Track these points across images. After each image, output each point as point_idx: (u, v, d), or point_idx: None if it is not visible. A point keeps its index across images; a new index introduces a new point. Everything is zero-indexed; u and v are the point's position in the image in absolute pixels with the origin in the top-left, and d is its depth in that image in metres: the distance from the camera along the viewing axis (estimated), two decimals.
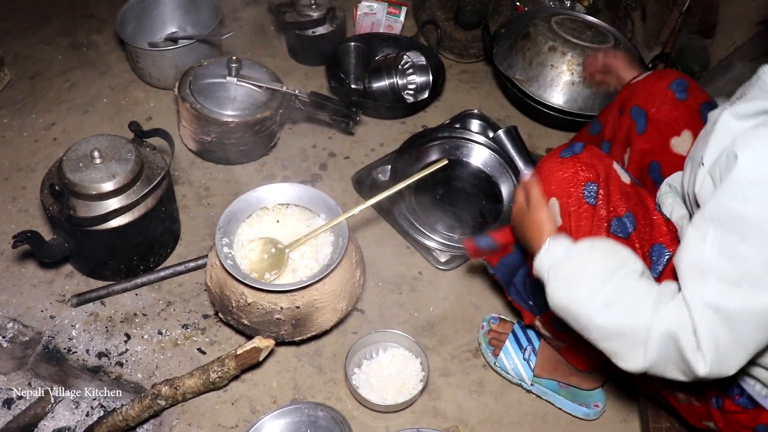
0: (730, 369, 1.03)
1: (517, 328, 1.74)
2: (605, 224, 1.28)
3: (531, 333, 1.72)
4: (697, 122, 1.53)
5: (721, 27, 2.53)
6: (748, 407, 1.23)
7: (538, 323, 1.55)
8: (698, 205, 1.16)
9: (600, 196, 1.29)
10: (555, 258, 1.20)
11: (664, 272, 1.29)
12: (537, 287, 1.36)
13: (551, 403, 1.70)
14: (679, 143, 1.55)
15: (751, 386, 1.21)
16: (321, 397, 1.68)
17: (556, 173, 1.31)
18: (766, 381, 1.19)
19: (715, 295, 1.00)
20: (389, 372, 1.69)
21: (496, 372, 1.75)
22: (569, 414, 1.68)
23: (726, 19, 2.51)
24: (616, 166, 1.35)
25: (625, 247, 1.19)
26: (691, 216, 1.30)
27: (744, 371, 1.14)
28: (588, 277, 1.14)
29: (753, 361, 1.10)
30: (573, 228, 1.29)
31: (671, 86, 1.56)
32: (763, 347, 1.03)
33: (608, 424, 1.68)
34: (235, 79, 2.05)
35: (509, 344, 1.72)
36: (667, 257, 1.30)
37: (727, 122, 1.12)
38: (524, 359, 1.70)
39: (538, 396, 1.71)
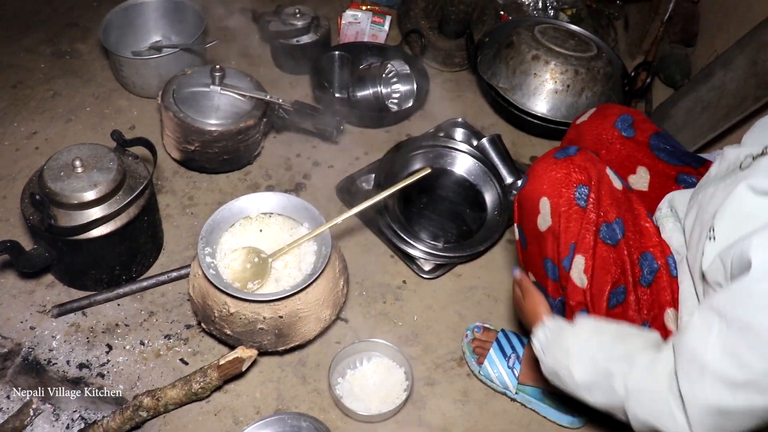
0: None
1: (501, 336, 1.74)
2: (594, 228, 1.29)
3: (515, 341, 1.73)
4: (649, 156, 1.55)
5: (702, 36, 2.56)
6: None
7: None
8: (704, 278, 1.14)
9: (591, 200, 1.30)
10: (550, 332, 1.28)
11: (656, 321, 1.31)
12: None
13: (536, 412, 1.70)
14: (637, 180, 1.56)
15: None
16: (305, 407, 1.67)
17: (549, 173, 1.33)
18: None
19: (715, 398, 0.98)
20: (373, 381, 1.69)
21: (481, 381, 1.74)
22: (554, 422, 1.68)
23: (707, 29, 2.53)
24: (608, 171, 1.35)
25: (611, 322, 1.25)
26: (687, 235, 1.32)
27: None
28: (575, 353, 1.21)
29: None
30: (562, 228, 1.31)
31: (616, 124, 1.57)
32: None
33: None
34: (219, 88, 2.05)
35: (493, 352, 1.72)
36: (656, 267, 1.31)
37: (746, 196, 1.08)
38: (508, 367, 1.70)
39: (522, 405, 1.71)
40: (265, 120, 2.10)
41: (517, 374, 1.69)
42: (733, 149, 1.26)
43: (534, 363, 1.65)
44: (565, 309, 1.39)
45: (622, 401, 1.13)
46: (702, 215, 1.23)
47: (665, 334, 1.31)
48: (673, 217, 1.42)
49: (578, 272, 1.31)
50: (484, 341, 1.76)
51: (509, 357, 1.70)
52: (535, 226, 1.36)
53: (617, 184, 1.36)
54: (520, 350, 1.70)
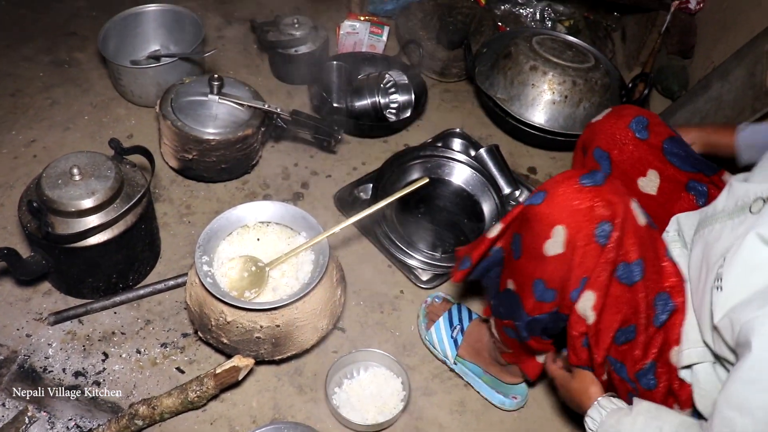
0: None
1: (454, 308, 1.78)
2: (611, 268, 1.23)
3: (465, 315, 1.77)
4: (661, 160, 1.53)
5: (699, 48, 2.57)
6: None
7: (492, 322, 1.54)
8: (715, 329, 1.12)
9: (612, 238, 1.22)
10: (606, 413, 1.25)
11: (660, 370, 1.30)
12: (499, 295, 1.44)
13: (471, 386, 1.74)
14: (647, 183, 1.55)
15: None
16: (301, 416, 1.66)
17: (571, 201, 1.23)
18: None
19: None
20: (370, 391, 1.68)
21: (425, 345, 1.80)
22: (486, 399, 1.72)
23: (703, 40, 2.55)
24: (633, 205, 1.26)
25: (670, 411, 1.21)
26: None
27: None
28: None
29: None
30: (576, 262, 1.24)
31: (631, 125, 1.55)
32: None
33: None
34: (217, 97, 2.05)
35: (442, 320, 1.76)
36: (671, 307, 1.27)
37: (755, 247, 1.05)
38: (451, 337, 1.73)
39: (459, 375, 1.75)
40: (263, 129, 2.10)
41: (457, 346, 1.72)
42: (741, 184, 1.21)
43: (476, 341, 1.70)
44: (530, 324, 1.39)
45: None
46: (708, 254, 1.19)
47: (667, 370, 1.28)
48: (681, 242, 1.38)
49: (586, 308, 1.26)
50: (439, 309, 1.80)
51: (455, 327, 1.74)
52: (540, 248, 1.27)
53: (641, 220, 1.27)
54: (467, 324, 1.72)
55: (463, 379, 1.75)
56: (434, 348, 1.77)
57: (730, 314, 1.05)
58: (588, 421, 1.29)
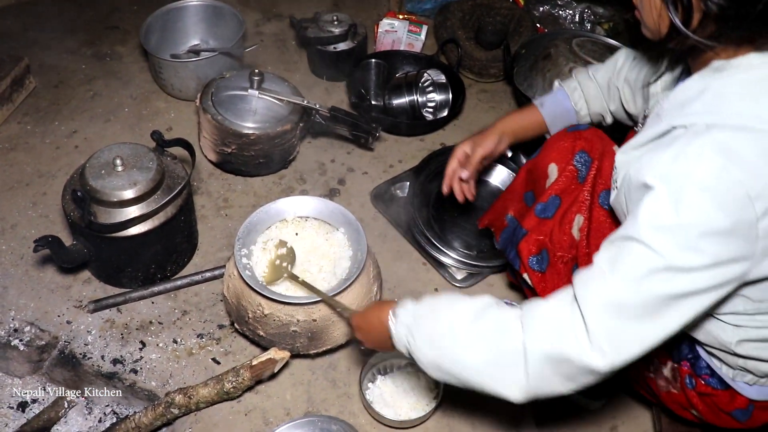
0: (631, 353, 1.00)
1: None
2: (589, 196, 1.46)
3: None
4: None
5: None
6: (719, 388, 1.25)
7: (525, 276, 1.51)
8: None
9: (593, 167, 1.46)
10: (407, 327, 1.20)
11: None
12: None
13: None
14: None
15: (719, 368, 1.24)
16: (334, 410, 1.67)
17: (558, 143, 1.53)
18: (731, 363, 1.21)
19: (613, 293, 0.99)
20: (403, 388, 1.68)
21: None
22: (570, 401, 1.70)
23: None
24: (615, 147, 1.48)
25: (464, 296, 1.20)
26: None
27: (709, 352, 1.22)
28: (444, 329, 1.14)
29: (713, 346, 1.18)
30: (559, 186, 1.48)
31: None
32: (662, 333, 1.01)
33: None
34: (257, 92, 2.07)
35: None
36: None
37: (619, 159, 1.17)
38: None
39: None
40: (301, 125, 2.11)
41: None
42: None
43: None
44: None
45: (520, 335, 1.05)
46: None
47: None
48: None
49: (575, 229, 1.46)
50: None
51: None
52: (544, 188, 1.52)
53: None
54: None
55: None
56: None
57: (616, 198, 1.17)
58: (396, 344, 1.24)
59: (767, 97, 0.97)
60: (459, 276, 1.94)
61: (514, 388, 1.07)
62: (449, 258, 1.94)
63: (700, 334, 1.20)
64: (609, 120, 1.66)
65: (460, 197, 1.71)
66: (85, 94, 2.43)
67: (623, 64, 1.55)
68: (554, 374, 1.04)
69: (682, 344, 1.28)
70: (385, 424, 1.64)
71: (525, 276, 1.50)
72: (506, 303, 1.16)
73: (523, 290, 1.66)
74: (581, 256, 1.42)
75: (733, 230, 0.93)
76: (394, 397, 1.67)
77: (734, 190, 0.92)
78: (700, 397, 1.29)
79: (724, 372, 1.24)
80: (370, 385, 1.69)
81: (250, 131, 2.02)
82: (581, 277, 1.04)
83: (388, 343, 1.26)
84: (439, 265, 1.96)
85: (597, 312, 0.99)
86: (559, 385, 1.05)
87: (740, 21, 0.95)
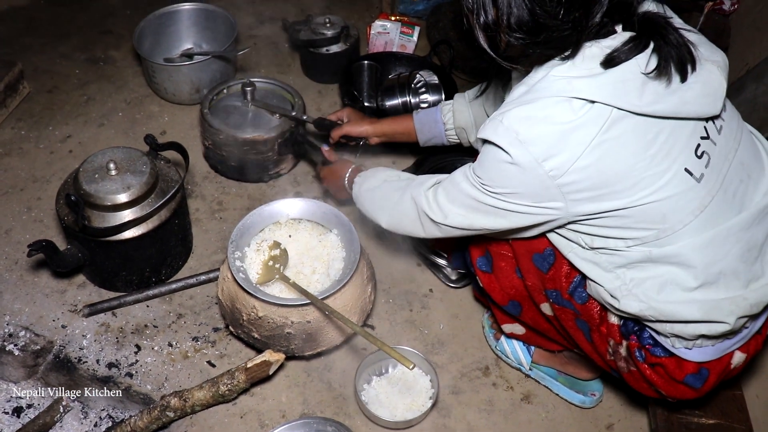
0: (450, 217, 1.36)
1: None
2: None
3: None
4: None
5: (733, 49, 2.54)
6: (663, 356, 1.31)
7: (478, 279, 1.58)
8: None
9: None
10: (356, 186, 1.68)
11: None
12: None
13: (549, 389, 1.75)
14: None
15: (658, 336, 1.31)
16: (330, 412, 1.68)
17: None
18: (660, 330, 1.29)
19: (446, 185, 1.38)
20: (399, 388, 1.69)
21: (496, 355, 1.80)
22: (566, 401, 1.73)
23: (738, 43, 2.52)
24: None
25: (381, 168, 1.68)
26: None
27: (644, 325, 1.32)
28: (362, 185, 1.64)
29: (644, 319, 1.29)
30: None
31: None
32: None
33: None
34: (250, 104, 2.13)
35: None
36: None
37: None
38: (524, 344, 1.75)
39: (536, 380, 1.76)
40: (279, 141, 2.10)
41: (531, 352, 1.75)
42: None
43: None
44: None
45: (399, 195, 1.50)
46: None
47: None
48: None
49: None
50: None
51: None
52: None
53: None
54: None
55: (540, 383, 1.76)
56: (507, 357, 1.78)
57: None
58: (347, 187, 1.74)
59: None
60: (453, 276, 1.95)
61: (382, 221, 1.56)
62: (443, 259, 1.94)
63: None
64: (472, 138, 1.81)
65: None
66: (78, 98, 2.44)
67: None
68: (405, 218, 1.49)
69: (628, 320, 1.35)
70: (380, 425, 1.64)
71: (477, 278, 1.56)
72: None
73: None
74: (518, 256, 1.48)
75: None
76: (389, 398, 1.67)
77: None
78: (652, 368, 1.34)
79: (662, 340, 1.31)
80: (365, 386, 1.70)
81: (217, 130, 2.06)
82: (446, 180, 1.40)
83: (343, 192, 1.78)
84: (433, 266, 1.97)
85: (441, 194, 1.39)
86: (411, 226, 1.48)
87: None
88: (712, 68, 1.23)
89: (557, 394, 1.74)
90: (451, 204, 1.37)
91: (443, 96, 2.39)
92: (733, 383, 1.62)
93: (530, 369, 1.76)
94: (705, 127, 1.24)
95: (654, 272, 1.26)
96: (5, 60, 2.38)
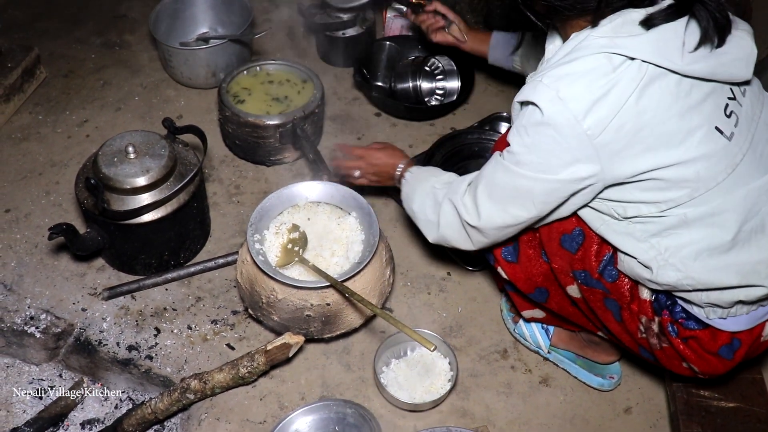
0: (484, 215, 1.37)
1: None
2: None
3: None
4: None
5: (755, 31, 2.51)
6: (697, 328, 1.32)
7: (500, 269, 1.56)
8: None
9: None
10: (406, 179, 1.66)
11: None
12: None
13: (567, 372, 1.75)
14: None
15: (691, 308, 1.32)
16: (349, 394, 1.68)
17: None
18: (696, 301, 1.29)
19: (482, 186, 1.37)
20: (418, 371, 1.69)
21: (515, 338, 1.80)
22: (584, 383, 1.73)
23: (759, 24, 2.48)
24: None
25: (437, 170, 1.64)
26: None
27: (677, 296, 1.32)
28: (415, 189, 1.60)
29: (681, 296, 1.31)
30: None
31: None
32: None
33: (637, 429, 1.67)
34: None
35: None
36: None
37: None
38: (542, 327, 1.76)
39: (555, 363, 1.76)
40: (281, 130, 2.08)
41: (550, 335, 1.75)
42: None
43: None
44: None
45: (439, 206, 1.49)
46: None
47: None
48: None
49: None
50: None
51: None
52: None
53: None
54: None
55: (558, 366, 1.76)
56: (525, 340, 1.78)
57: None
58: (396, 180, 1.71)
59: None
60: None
61: (431, 234, 1.54)
62: None
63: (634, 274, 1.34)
64: (529, 71, 1.77)
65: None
66: (95, 83, 2.44)
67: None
68: (451, 230, 1.47)
69: (659, 295, 1.35)
70: (399, 407, 1.65)
71: (499, 269, 1.54)
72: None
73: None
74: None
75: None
76: (408, 380, 1.67)
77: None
78: (685, 343, 1.34)
79: (696, 311, 1.31)
80: (384, 368, 1.70)
81: (226, 107, 2.08)
82: (476, 177, 1.41)
83: (388, 181, 1.75)
84: (452, 249, 1.96)
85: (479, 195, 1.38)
86: (457, 237, 1.48)
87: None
88: (743, 34, 1.26)
89: (575, 377, 1.74)
90: (486, 200, 1.36)
91: (459, 80, 2.37)
92: (755, 363, 1.61)
93: (549, 352, 1.76)
94: (731, 89, 1.27)
95: (689, 238, 1.26)
96: (22, 45, 2.39)
